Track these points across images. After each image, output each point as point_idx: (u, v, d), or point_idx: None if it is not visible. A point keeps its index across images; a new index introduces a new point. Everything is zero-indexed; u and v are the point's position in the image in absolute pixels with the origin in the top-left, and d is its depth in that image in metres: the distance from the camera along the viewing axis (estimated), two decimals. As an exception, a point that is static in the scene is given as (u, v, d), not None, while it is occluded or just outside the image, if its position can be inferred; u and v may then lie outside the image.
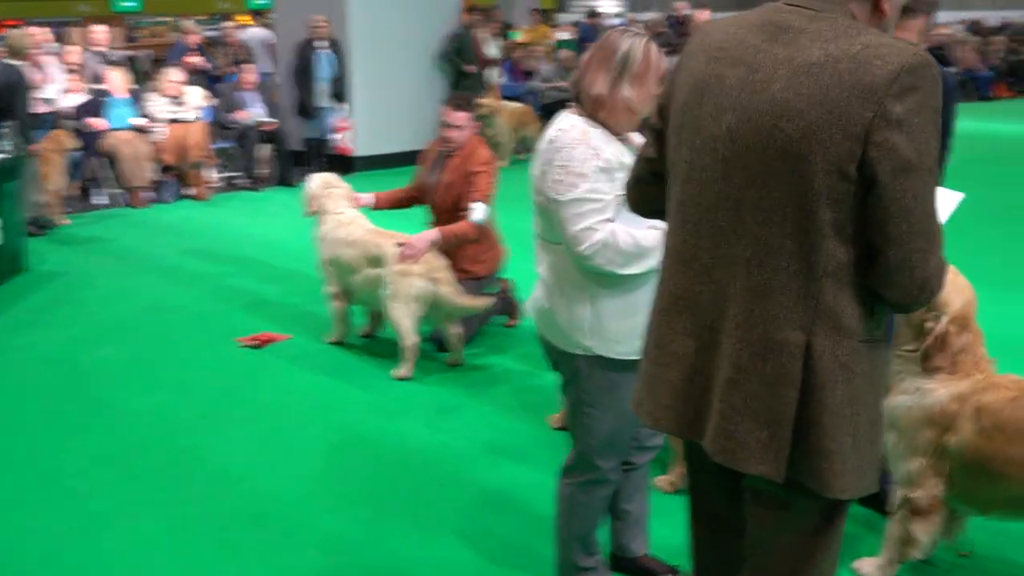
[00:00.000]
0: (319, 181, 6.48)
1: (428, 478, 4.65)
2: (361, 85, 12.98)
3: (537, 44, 17.40)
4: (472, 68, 13.56)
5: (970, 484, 3.43)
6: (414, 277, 5.81)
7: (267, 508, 4.37)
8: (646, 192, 2.53)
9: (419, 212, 6.54)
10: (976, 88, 23.00)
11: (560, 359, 3.26)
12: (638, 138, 3.21)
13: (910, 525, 3.53)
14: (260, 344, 6.43)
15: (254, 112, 12.10)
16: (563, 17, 28.30)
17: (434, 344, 6.25)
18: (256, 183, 12.13)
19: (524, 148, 13.88)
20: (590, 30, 19.09)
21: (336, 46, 12.68)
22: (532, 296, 3.35)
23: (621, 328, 3.11)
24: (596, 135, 3.07)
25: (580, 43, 18.26)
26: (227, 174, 12.31)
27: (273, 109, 12.45)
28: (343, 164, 12.99)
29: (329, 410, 5.44)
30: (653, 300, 2.42)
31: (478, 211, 6.08)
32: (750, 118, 2.12)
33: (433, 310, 5.92)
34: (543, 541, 3.90)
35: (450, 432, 5.14)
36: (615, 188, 3.00)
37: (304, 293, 7.44)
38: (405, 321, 5.83)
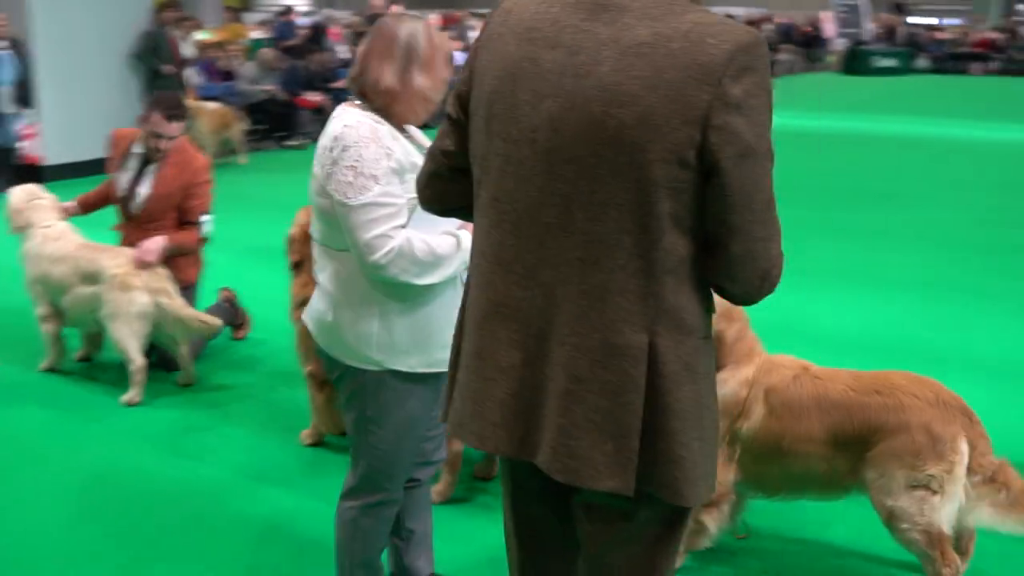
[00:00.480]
0: (22, 194, 5.86)
1: (184, 512, 4.24)
2: (48, 88, 12.02)
3: (231, 43, 16.76)
4: (170, 68, 12.85)
5: (759, 467, 3.44)
6: (135, 292, 5.34)
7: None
8: (443, 189, 2.30)
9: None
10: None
11: (345, 374, 2.99)
12: (418, 133, 3.00)
13: (700, 516, 3.51)
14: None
15: (-75, 120, 10.95)
16: (249, 16, 27.46)
17: (160, 364, 5.75)
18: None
19: (226, 150, 13.33)
20: (285, 27, 18.58)
21: (18, 46, 11.66)
22: (310, 307, 3.06)
23: (414, 340, 2.89)
24: (385, 133, 2.82)
25: (276, 41, 17.74)
26: None
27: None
28: (32, 174, 11.97)
29: (56, 448, 4.87)
30: (467, 308, 2.20)
31: (207, 224, 5.74)
32: (575, 104, 1.94)
33: (159, 327, 5.45)
34: (321, 570, 3.62)
35: (197, 458, 4.73)
36: (407, 190, 2.77)
37: (9, 316, 6.71)
38: (130, 341, 5.35)
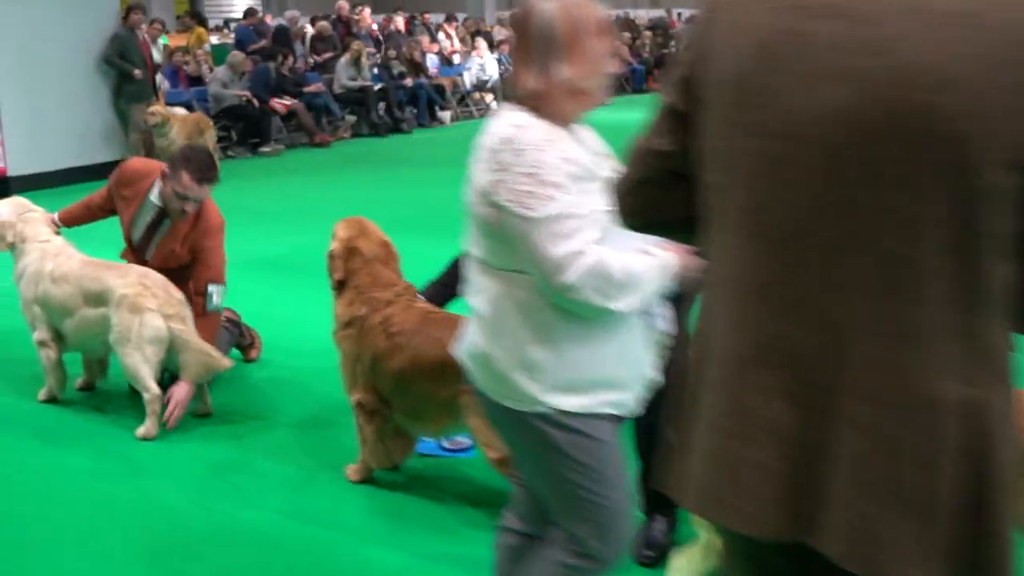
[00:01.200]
0: (11, 206, 5.30)
1: (227, 564, 3.71)
2: (10, 94, 11.37)
3: (195, 48, 16.17)
4: (139, 72, 12.25)
5: None
6: (147, 314, 4.78)
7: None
8: (655, 198, 1.85)
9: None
10: (631, 82, 23.87)
11: (507, 420, 2.51)
12: (589, 134, 2.54)
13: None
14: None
15: None
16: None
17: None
18: None
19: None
20: (246, 31, 17.96)
21: (-24, 50, 11.03)
22: (465, 338, 2.59)
23: (585, 376, 2.41)
24: (563, 135, 2.38)
25: (239, 45, 17.14)
26: None
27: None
28: (-4, 186, 11.36)
29: (64, 490, 4.32)
30: (705, 350, 1.73)
31: (215, 296, 5.13)
32: (872, 90, 1.48)
33: (169, 354, 4.90)
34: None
35: (233, 500, 4.20)
36: (591, 201, 2.32)
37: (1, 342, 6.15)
38: (142, 369, 4.79)
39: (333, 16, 18.72)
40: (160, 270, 5.06)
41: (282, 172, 12.82)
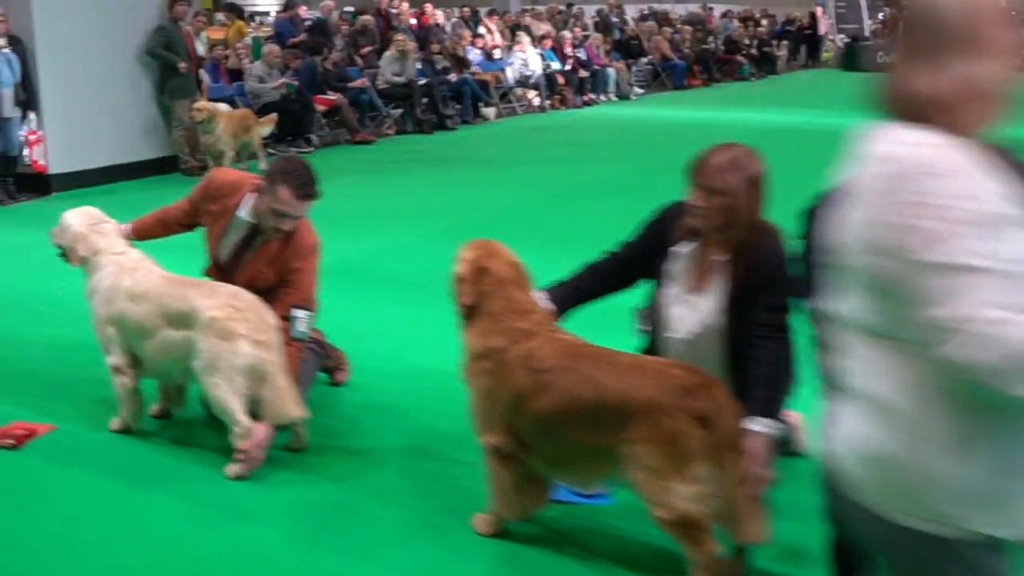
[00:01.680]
0: (82, 216, 4.80)
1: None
2: (51, 89, 10.89)
3: (235, 41, 15.69)
4: (184, 66, 11.77)
5: None
6: (238, 341, 4.26)
7: None
8: None
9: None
10: (672, 78, 23.32)
11: (890, 536, 1.96)
12: (1001, 154, 1.93)
13: None
14: (14, 442, 4.63)
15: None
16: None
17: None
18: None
19: (246, 155, 12.28)
20: (286, 24, 17.46)
21: (17, 44, 10.54)
22: (836, 428, 2.04)
23: (1001, 488, 1.87)
24: (969, 161, 1.81)
25: (278, 38, 16.64)
26: None
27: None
28: (38, 185, 10.90)
29: (145, 535, 3.84)
30: None
31: (301, 322, 4.60)
32: None
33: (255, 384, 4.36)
34: None
35: (347, 552, 3.70)
36: (1007, 249, 1.76)
37: (69, 365, 5.60)
38: (232, 400, 4.28)
39: (372, 9, 18.22)
40: (239, 284, 4.57)
41: (329, 170, 12.26)
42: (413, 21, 18.76)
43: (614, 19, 24.08)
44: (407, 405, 4.99)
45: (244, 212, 4.59)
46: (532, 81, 18.70)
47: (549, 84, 18.93)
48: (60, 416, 4.91)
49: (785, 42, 30.97)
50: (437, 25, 19.35)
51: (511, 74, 18.61)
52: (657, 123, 17.12)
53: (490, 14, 21.24)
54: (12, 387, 5.30)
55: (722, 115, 17.91)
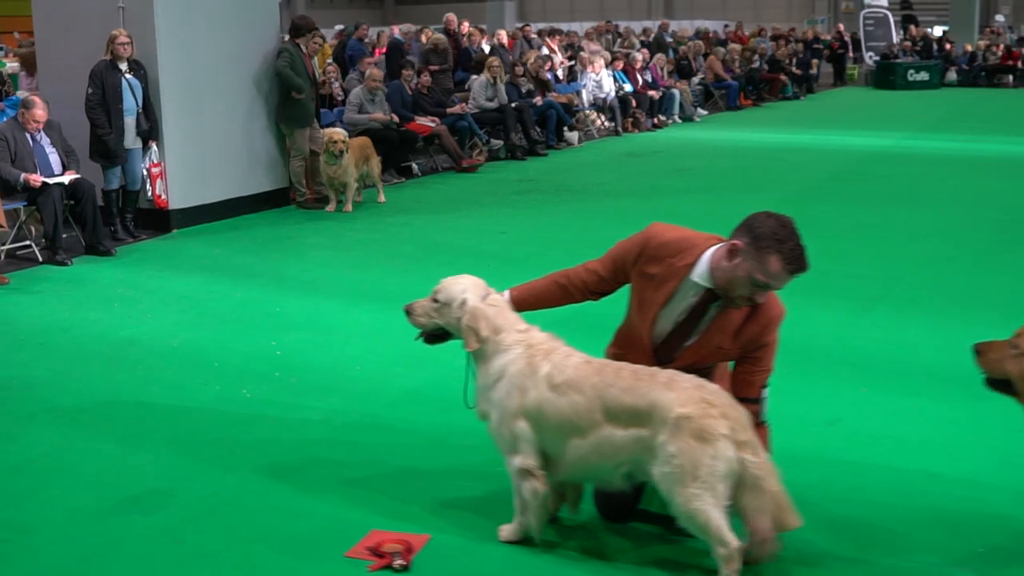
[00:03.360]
0: (474, 288, 4.00)
1: None
2: (173, 117, 10.07)
3: (323, 64, 14.88)
4: (305, 92, 10.96)
5: None
6: (720, 443, 3.52)
7: None
8: None
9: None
10: (726, 98, 22.71)
11: None
12: None
13: None
14: (404, 564, 3.80)
15: (52, 160, 8.99)
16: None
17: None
18: (57, 255, 8.84)
19: (363, 185, 11.52)
20: (359, 47, 16.73)
21: (139, 69, 9.72)
22: None
23: None
24: None
25: (351, 62, 15.89)
26: (9, 245, 9.05)
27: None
28: (157, 221, 10.05)
29: None
30: None
31: (766, 403, 3.94)
32: None
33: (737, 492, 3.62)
34: None
35: None
36: None
37: (376, 448, 4.88)
38: (714, 515, 3.53)
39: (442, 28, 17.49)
40: (685, 370, 3.79)
41: (455, 204, 11.54)
42: (486, 46, 18.01)
43: (668, 38, 23.43)
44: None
45: (698, 275, 3.81)
46: (608, 103, 17.98)
47: (622, 106, 18.21)
48: (429, 524, 4.11)
49: (816, 60, 30.48)
50: (500, 45, 18.65)
51: (585, 96, 17.90)
52: (749, 146, 16.47)
53: (552, 34, 20.53)
54: (310, 477, 4.54)
55: (805, 137, 17.34)
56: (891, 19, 32.83)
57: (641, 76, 19.43)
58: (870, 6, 33.08)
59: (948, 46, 31.91)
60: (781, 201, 11.40)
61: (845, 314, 6.96)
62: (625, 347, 4.03)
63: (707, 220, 10.08)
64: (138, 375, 5.90)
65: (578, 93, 17.77)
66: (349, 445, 4.90)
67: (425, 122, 13.62)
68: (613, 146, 16.70)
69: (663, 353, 3.91)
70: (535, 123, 15.66)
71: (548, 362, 3.79)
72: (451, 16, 17.80)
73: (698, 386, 3.62)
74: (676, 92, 20.18)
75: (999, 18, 40.01)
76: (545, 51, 19.09)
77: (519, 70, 16.03)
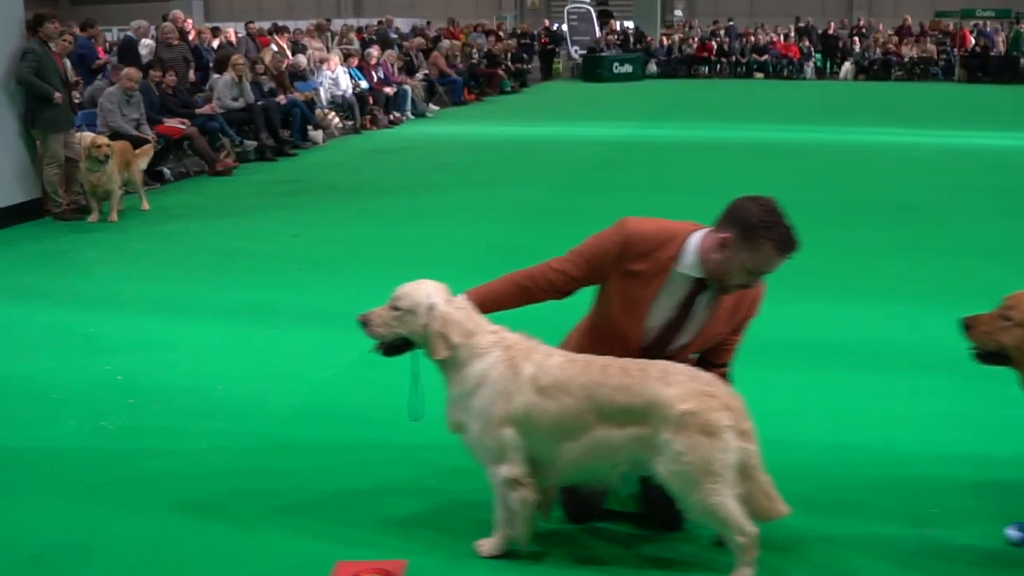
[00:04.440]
0: (437, 291, 3.74)
1: None
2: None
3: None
4: (59, 96, 10.05)
5: None
6: (725, 435, 3.45)
7: None
8: None
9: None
10: (451, 94, 22.85)
11: None
12: None
13: None
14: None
15: None
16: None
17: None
18: None
19: (124, 192, 10.74)
20: (88, 45, 15.54)
21: None
22: None
23: None
24: None
25: (80, 60, 14.72)
26: None
27: None
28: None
29: None
30: None
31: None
32: None
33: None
34: None
35: None
36: None
37: (337, 471, 4.51)
38: (732, 506, 3.47)
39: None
40: (661, 356, 3.73)
41: (221, 208, 10.96)
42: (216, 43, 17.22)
43: (393, 35, 23.28)
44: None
45: (685, 267, 3.72)
46: (345, 101, 17.65)
47: (360, 104, 17.93)
48: (371, 544, 3.85)
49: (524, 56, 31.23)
50: (229, 43, 17.94)
51: (323, 94, 17.49)
52: (495, 140, 16.65)
53: (279, 31, 19.93)
54: (241, 511, 4.13)
55: (548, 129, 17.75)
56: (594, 14, 34.10)
57: (375, 73, 19.21)
58: (573, 2, 34.26)
59: (648, 39, 33.56)
60: (558, 189, 11.61)
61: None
62: (605, 345, 3.86)
63: (502, 212, 10.15)
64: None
65: (315, 91, 17.32)
66: (264, 472, 4.48)
67: (174, 124, 12.85)
68: (359, 144, 16.42)
69: (656, 349, 3.80)
70: (280, 122, 15.13)
71: (530, 363, 3.60)
72: (177, 13, 16.93)
73: (693, 377, 3.54)
74: (408, 88, 20.10)
75: (677, 13, 42.54)
76: (275, 48, 18.48)
77: (260, 68, 15.43)
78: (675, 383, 3.50)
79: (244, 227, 9.90)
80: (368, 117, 18.14)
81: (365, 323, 3.74)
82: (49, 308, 7.11)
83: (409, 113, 19.90)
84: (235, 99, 14.15)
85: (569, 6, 34.27)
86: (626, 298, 3.80)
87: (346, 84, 17.87)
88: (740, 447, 3.48)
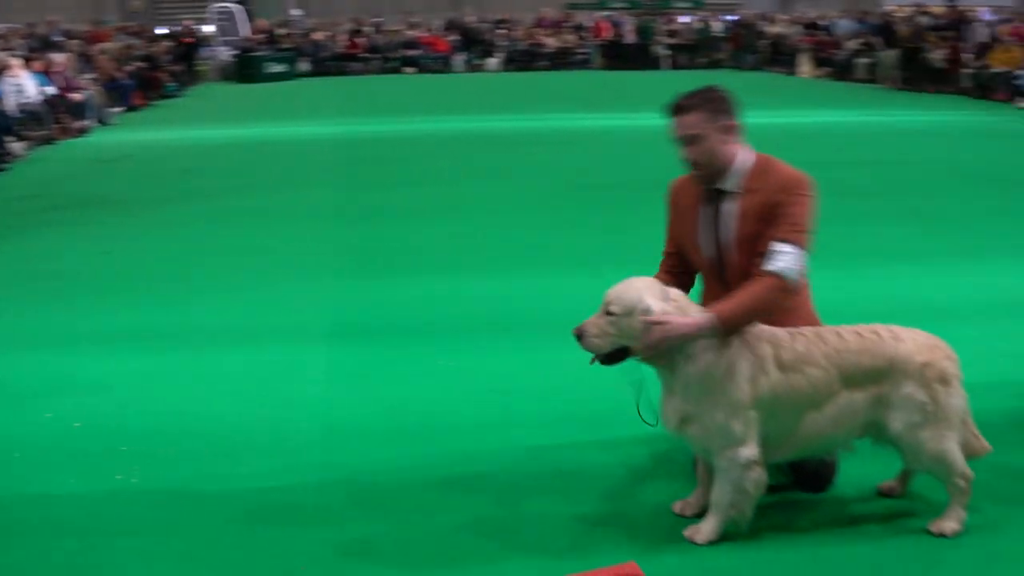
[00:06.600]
0: (651, 289, 3.59)
1: None
2: None
3: None
4: None
5: None
6: (955, 382, 3.65)
7: None
8: None
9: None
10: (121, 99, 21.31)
11: None
12: None
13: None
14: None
15: None
16: None
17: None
18: None
19: None
20: None
21: None
22: None
23: None
24: None
25: None
26: None
27: None
28: None
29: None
30: None
31: (783, 256, 3.60)
32: None
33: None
34: None
35: None
36: None
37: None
38: (957, 451, 3.66)
39: None
40: (745, 270, 3.73)
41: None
42: None
43: (59, 37, 21.40)
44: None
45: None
46: (36, 109, 16.04)
47: (51, 111, 16.38)
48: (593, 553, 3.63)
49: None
50: None
51: (11, 103, 15.78)
52: (218, 143, 15.81)
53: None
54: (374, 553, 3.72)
55: (271, 130, 17.14)
56: (242, 13, 32.95)
57: (61, 78, 17.61)
58: (215, 2, 32.98)
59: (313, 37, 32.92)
60: (342, 189, 11.26)
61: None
62: (706, 288, 4.02)
63: (298, 216, 9.66)
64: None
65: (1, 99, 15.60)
66: (356, 508, 4.03)
67: None
68: (68, 154, 15.06)
69: (724, 276, 3.86)
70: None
71: (765, 343, 3.55)
72: None
73: (915, 332, 3.70)
74: (91, 94, 18.58)
75: (294, 12, 42.08)
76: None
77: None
78: (906, 339, 3.64)
79: (37, 248, 8.78)
80: (58, 126, 16.59)
81: (581, 336, 3.57)
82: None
83: (96, 120, 18.39)
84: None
85: (215, 6, 32.93)
86: (681, 234, 3.98)
87: (32, 91, 16.23)
88: (966, 395, 3.63)
